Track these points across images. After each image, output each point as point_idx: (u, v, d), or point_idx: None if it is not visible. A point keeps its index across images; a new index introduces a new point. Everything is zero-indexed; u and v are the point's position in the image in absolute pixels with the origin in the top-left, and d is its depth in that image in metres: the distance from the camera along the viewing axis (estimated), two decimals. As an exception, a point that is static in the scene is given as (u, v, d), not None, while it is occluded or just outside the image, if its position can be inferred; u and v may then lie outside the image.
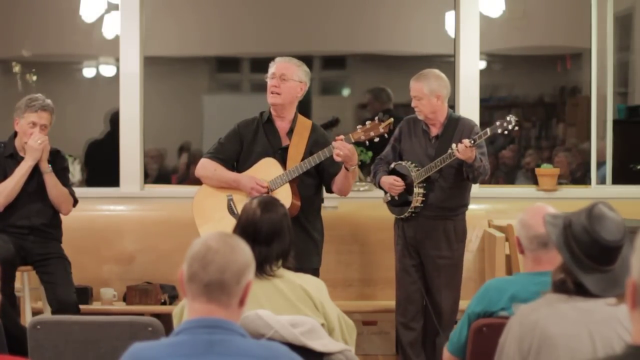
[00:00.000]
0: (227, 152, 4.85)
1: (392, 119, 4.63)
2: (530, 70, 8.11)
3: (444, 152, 4.96)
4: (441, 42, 7.02)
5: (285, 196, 4.56)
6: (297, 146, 4.75)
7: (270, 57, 4.93)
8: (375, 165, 5.25)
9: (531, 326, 2.63)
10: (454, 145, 4.87)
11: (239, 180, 4.75)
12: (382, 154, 5.25)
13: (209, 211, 4.80)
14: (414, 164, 5.04)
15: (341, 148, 4.50)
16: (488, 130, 4.91)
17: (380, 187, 5.16)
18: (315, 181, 4.80)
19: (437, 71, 5.09)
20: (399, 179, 5.05)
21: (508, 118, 4.89)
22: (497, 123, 4.93)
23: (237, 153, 4.85)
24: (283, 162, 4.72)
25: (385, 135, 4.66)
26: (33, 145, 4.88)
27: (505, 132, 4.92)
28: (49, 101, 4.98)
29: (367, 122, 4.61)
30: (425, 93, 4.98)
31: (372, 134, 4.58)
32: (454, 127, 5.06)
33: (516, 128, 4.93)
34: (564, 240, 2.67)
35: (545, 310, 2.65)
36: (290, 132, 4.80)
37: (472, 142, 4.81)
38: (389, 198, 5.10)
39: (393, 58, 7.72)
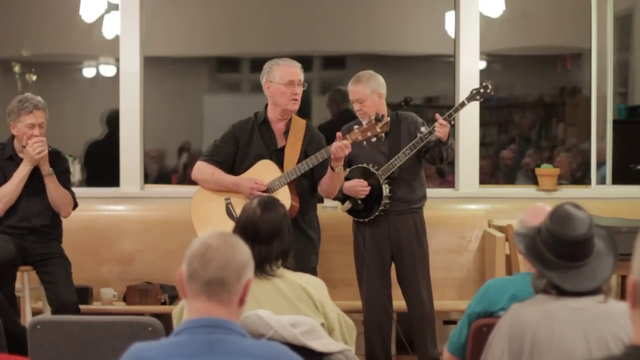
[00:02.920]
0: (223, 154, 4.84)
1: (388, 119, 4.63)
2: (530, 70, 8.09)
3: (397, 148, 4.98)
4: (441, 42, 7.02)
5: (284, 198, 4.55)
6: (293, 147, 4.74)
7: (270, 57, 4.93)
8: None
9: (522, 328, 2.62)
10: (423, 129, 4.92)
11: (239, 183, 4.74)
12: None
13: (207, 214, 4.79)
14: (370, 165, 5.04)
15: (343, 149, 4.50)
16: (465, 100, 4.97)
17: (342, 197, 5.07)
18: (310, 181, 4.79)
19: (371, 71, 5.11)
20: (362, 180, 5.04)
21: (484, 83, 4.95)
22: (474, 91, 4.97)
23: (233, 155, 4.83)
24: (280, 164, 4.72)
25: (383, 135, 4.66)
26: (31, 153, 4.84)
27: (482, 99, 4.97)
28: (39, 98, 4.95)
29: (364, 123, 4.61)
30: (367, 94, 5.00)
31: (369, 134, 4.58)
32: (398, 122, 5.09)
33: (492, 93, 4.95)
34: (531, 248, 2.69)
35: (536, 311, 2.64)
36: (286, 133, 4.80)
37: (449, 116, 4.86)
38: (350, 205, 5.07)
39: (393, 58, 7.70)
